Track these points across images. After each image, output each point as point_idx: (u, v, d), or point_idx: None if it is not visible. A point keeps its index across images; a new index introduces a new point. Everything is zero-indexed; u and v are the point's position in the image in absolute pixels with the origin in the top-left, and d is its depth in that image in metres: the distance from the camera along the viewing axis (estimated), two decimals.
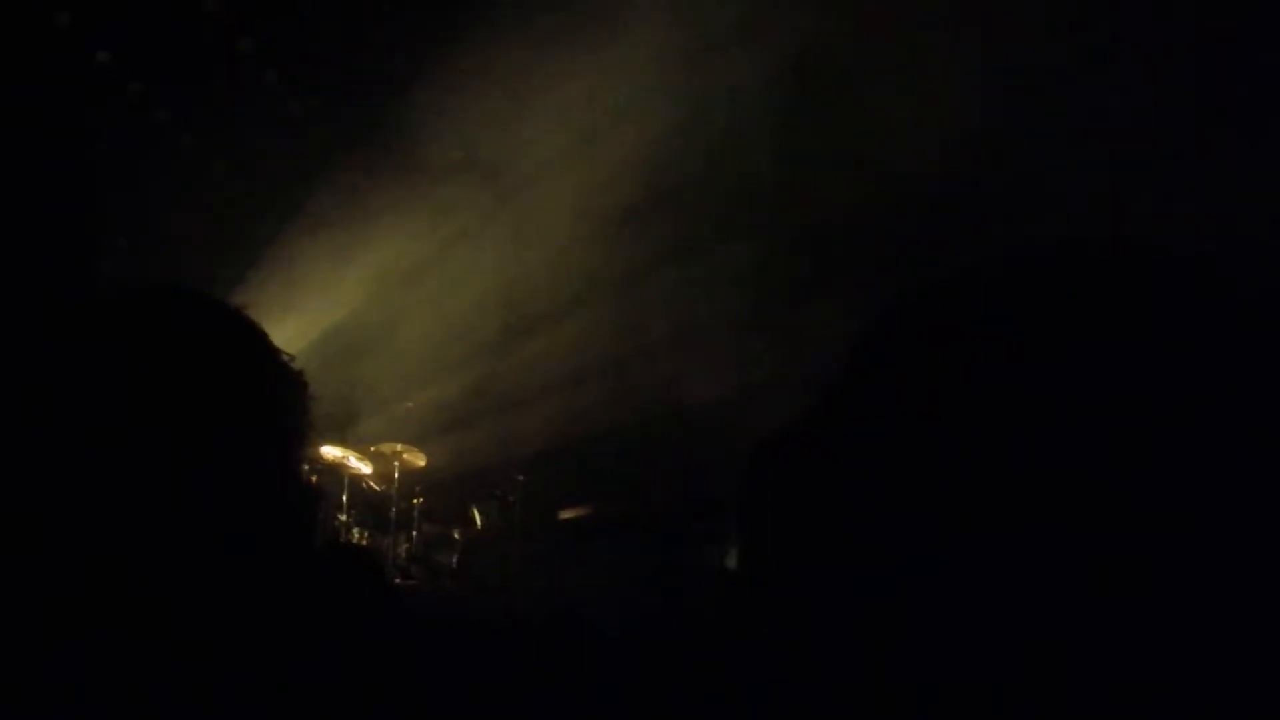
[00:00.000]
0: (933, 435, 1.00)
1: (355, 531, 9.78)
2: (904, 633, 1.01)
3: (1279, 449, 0.86)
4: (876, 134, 9.24)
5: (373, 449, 10.29)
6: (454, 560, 10.24)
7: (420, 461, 10.49)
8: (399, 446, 10.37)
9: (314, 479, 9.41)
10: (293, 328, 10.77)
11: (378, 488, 10.22)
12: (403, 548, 10.05)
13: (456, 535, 10.36)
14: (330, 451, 9.88)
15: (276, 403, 1.53)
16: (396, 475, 10.27)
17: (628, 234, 10.80)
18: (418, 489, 10.41)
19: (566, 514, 9.99)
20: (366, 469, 10.15)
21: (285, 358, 1.61)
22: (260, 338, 1.59)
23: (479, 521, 10.55)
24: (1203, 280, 0.93)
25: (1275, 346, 0.89)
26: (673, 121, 10.14)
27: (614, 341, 11.07)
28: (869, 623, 1.04)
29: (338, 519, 9.66)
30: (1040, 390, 0.94)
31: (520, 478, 10.72)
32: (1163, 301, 0.93)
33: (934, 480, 0.99)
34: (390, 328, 11.23)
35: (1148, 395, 0.88)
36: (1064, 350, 0.95)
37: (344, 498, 9.78)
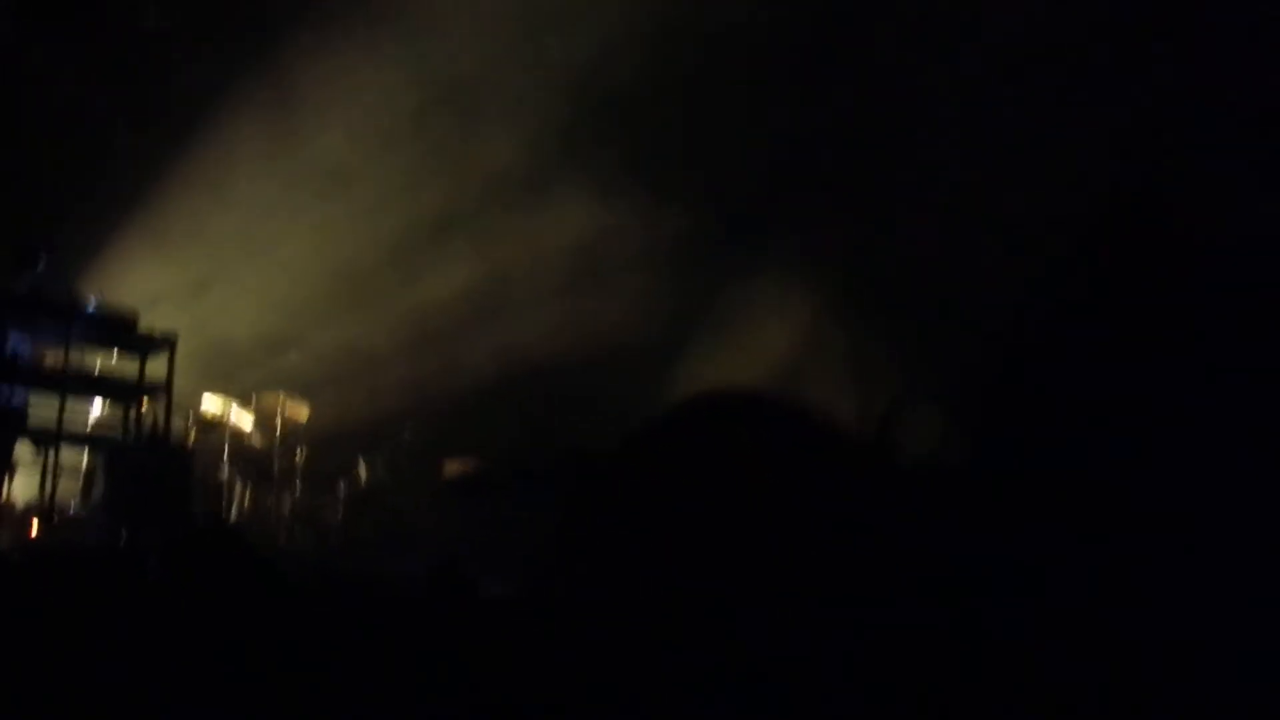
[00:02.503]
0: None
1: (237, 488, 9.59)
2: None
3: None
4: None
5: (254, 400, 10.09)
6: (339, 516, 10.11)
7: (304, 414, 10.30)
8: (281, 398, 10.17)
9: (192, 435, 9.24)
10: (170, 274, 10.55)
11: (260, 442, 10.02)
12: (286, 504, 9.88)
13: (341, 491, 10.23)
14: (210, 404, 9.67)
15: None
16: (279, 429, 10.08)
17: (517, 179, 10.74)
18: (301, 443, 10.23)
19: (453, 468, 9.91)
20: (248, 421, 9.95)
21: None
22: None
23: (364, 476, 10.42)
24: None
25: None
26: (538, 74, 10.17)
27: (501, 292, 11.02)
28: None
29: (219, 475, 9.47)
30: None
31: (406, 436, 10.60)
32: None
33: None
34: (274, 276, 11.03)
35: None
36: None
37: (225, 453, 9.57)
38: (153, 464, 7.85)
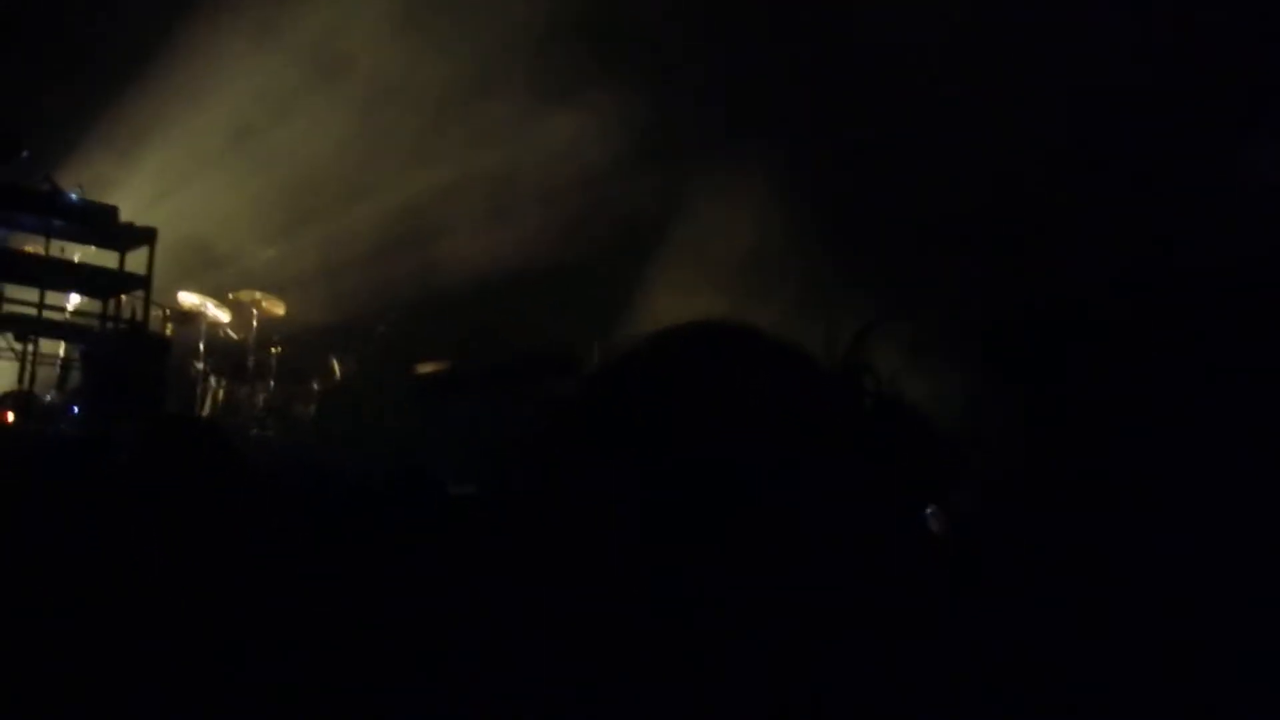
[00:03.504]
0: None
1: (212, 381, 9.70)
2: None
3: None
4: None
5: (231, 296, 10.17)
6: (311, 412, 10.24)
7: (279, 310, 10.38)
8: (258, 294, 10.24)
9: (169, 329, 9.34)
10: (149, 172, 10.57)
11: (235, 336, 10.12)
12: (260, 398, 10.00)
13: (315, 386, 10.34)
14: (187, 298, 9.75)
15: None
16: (255, 324, 10.18)
17: (491, 92, 10.76)
18: (276, 338, 10.33)
19: (425, 368, 10.03)
20: (225, 317, 10.03)
21: None
22: None
23: (337, 373, 10.53)
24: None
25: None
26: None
27: (474, 195, 11.06)
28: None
29: (194, 368, 9.57)
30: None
31: (381, 329, 10.71)
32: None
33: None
34: (253, 173, 11.04)
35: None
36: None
37: (201, 346, 9.67)
38: (129, 356, 7.96)
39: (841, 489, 1.08)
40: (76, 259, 8.43)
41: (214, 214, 10.83)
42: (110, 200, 8.49)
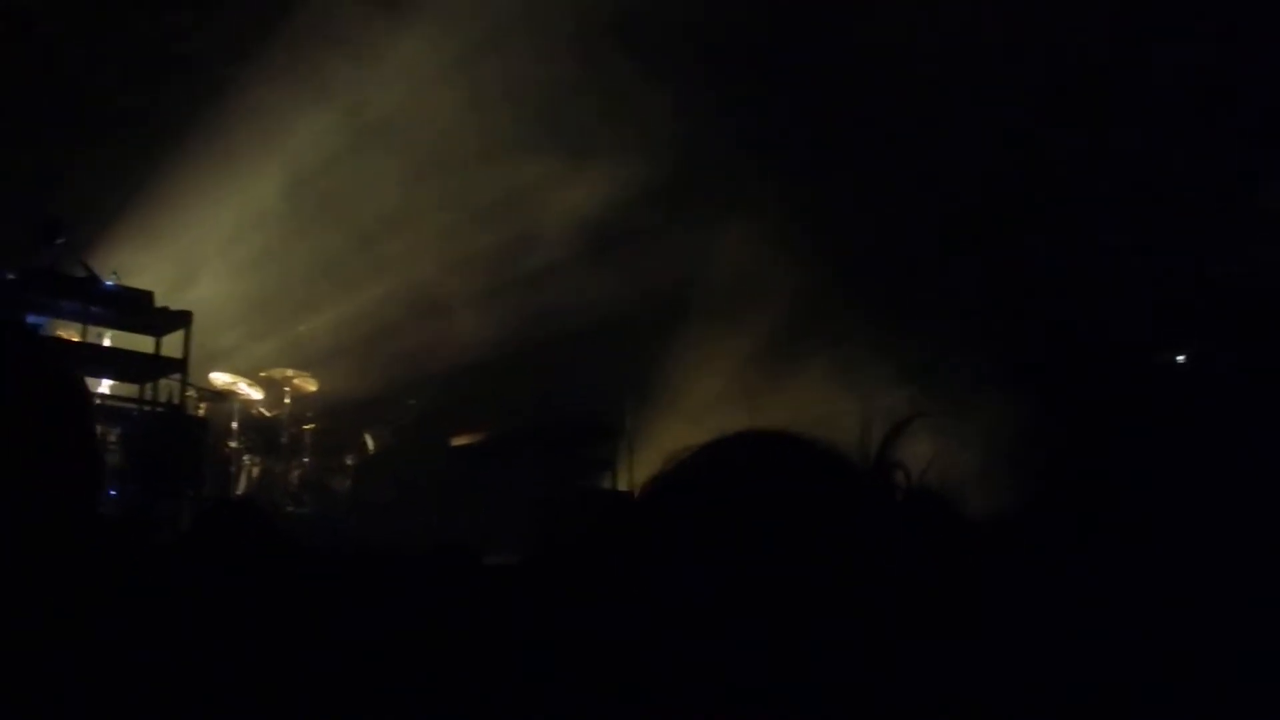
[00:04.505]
0: None
1: (246, 459, 9.76)
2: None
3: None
4: None
5: (263, 374, 10.25)
6: (347, 486, 10.27)
7: (311, 386, 10.47)
8: (290, 371, 10.34)
9: (202, 408, 9.40)
10: (179, 255, 10.68)
11: (268, 414, 10.19)
12: (295, 474, 10.05)
13: (349, 461, 10.38)
14: (220, 378, 9.83)
15: None
16: (288, 401, 10.26)
17: (515, 159, 10.85)
18: (309, 414, 10.40)
19: (459, 440, 10.07)
20: (257, 395, 10.10)
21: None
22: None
23: (371, 447, 10.58)
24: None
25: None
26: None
27: (504, 266, 11.13)
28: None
29: (228, 446, 9.63)
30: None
31: (412, 402, 10.75)
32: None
33: None
34: (282, 251, 11.15)
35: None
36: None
37: (234, 425, 9.74)
38: (167, 437, 8.02)
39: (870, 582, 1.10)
40: (108, 341, 8.51)
41: (240, 294, 10.93)
42: (140, 281, 8.58)
